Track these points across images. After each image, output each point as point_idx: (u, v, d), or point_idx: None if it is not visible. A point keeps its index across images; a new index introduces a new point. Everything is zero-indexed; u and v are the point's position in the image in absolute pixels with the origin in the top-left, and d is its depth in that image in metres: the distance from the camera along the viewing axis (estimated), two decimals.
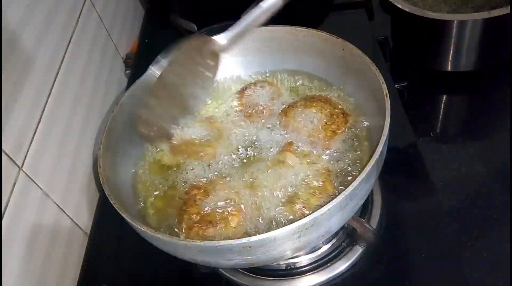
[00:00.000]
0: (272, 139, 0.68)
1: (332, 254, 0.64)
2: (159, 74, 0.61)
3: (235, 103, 0.75)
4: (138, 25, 1.18)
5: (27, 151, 0.62)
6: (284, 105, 0.72)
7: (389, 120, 0.54)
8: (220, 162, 0.67)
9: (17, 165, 0.59)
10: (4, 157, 0.57)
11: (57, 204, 0.67)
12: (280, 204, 0.59)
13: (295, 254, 0.60)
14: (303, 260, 0.64)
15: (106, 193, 0.56)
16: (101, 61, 0.91)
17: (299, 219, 0.47)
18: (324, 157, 0.64)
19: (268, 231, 0.47)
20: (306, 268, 0.63)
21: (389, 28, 0.99)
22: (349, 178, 0.61)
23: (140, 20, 1.19)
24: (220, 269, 0.65)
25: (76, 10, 0.84)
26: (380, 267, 0.63)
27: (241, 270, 0.64)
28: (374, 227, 0.65)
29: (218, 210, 0.58)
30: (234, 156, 0.67)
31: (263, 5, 0.64)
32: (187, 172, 0.67)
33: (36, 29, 0.68)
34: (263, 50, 0.77)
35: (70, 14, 0.81)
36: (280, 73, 0.79)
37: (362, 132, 0.66)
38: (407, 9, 0.83)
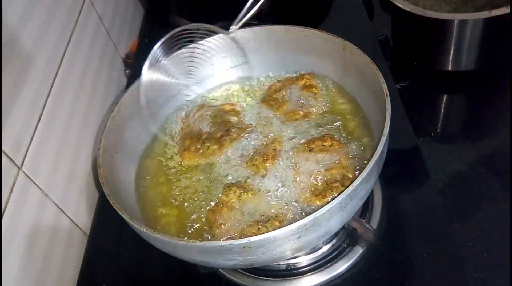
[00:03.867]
0: None
1: (333, 255, 0.64)
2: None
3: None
4: (138, 25, 1.18)
5: (27, 151, 0.62)
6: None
7: (389, 120, 0.54)
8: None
9: (16, 165, 0.59)
10: (3, 157, 0.56)
11: (56, 204, 0.67)
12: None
13: (295, 255, 0.60)
14: (303, 260, 0.64)
15: (105, 193, 0.55)
16: (100, 61, 0.91)
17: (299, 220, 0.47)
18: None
19: (268, 232, 0.47)
20: (306, 268, 0.63)
21: (390, 27, 0.99)
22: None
23: (139, 20, 1.19)
24: (219, 269, 0.65)
25: (76, 10, 0.83)
26: (381, 267, 0.63)
27: (241, 271, 0.64)
28: (375, 227, 0.64)
29: None
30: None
31: None
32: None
33: (35, 29, 0.68)
34: (263, 50, 0.77)
35: (70, 13, 0.81)
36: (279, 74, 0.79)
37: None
38: (407, 9, 0.83)
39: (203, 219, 0.62)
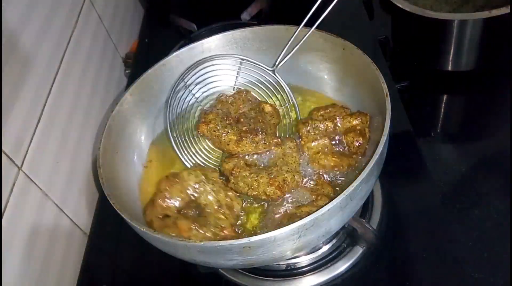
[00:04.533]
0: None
1: (333, 255, 0.64)
2: None
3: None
4: (138, 25, 1.18)
5: (27, 151, 0.62)
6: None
7: (389, 120, 0.54)
8: None
9: (16, 165, 0.59)
10: (3, 157, 0.56)
11: (56, 204, 0.67)
12: None
13: (295, 255, 0.60)
14: (303, 260, 0.64)
15: (105, 193, 0.55)
16: (100, 61, 0.91)
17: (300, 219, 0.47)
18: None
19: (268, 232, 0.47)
20: (306, 268, 0.63)
21: (390, 27, 0.99)
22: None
23: (139, 20, 1.19)
24: (219, 269, 0.65)
25: (76, 10, 0.84)
26: (381, 267, 0.63)
27: (241, 271, 0.64)
28: (375, 227, 0.64)
29: None
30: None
31: None
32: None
33: (35, 28, 0.68)
34: (263, 50, 0.77)
35: (70, 13, 0.81)
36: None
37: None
38: (407, 9, 0.83)
39: None
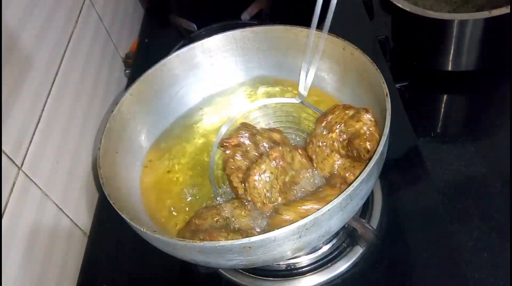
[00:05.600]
0: None
1: (333, 255, 0.64)
2: None
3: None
4: (138, 25, 1.18)
5: (27, 151, 0.62)
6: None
7: (389, 120, 0.54)
8: None
9: (16, 165, 0.59)
10: (3, 157, 0.56)
11: (56, 204, 0.67)
12: None
13: (296, 255, 0.60)
14: (304, 260, 0.64)
15: (105, 193, 0.55)
16: (100, 61, 0.91)
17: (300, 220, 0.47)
18: None
19: (268, 232, 0.47)
20: (306, 268, 0.63)
21: (390, 27, 0.99)
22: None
23: (139, 20, 1.19)
24: (220, 270, 0.65)
25: (76, 10, 0.84)
26: (381, 267, 0.63)
27: (241, 271, 0.64)
28: (375, 227, 0.64)
29: None
30: None
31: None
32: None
33: (35, 28, 0.68)
34: (263, 50, 0.77)
35: (70, 13, 0.81)
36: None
37: None
38: (407, 9, 0.83)
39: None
